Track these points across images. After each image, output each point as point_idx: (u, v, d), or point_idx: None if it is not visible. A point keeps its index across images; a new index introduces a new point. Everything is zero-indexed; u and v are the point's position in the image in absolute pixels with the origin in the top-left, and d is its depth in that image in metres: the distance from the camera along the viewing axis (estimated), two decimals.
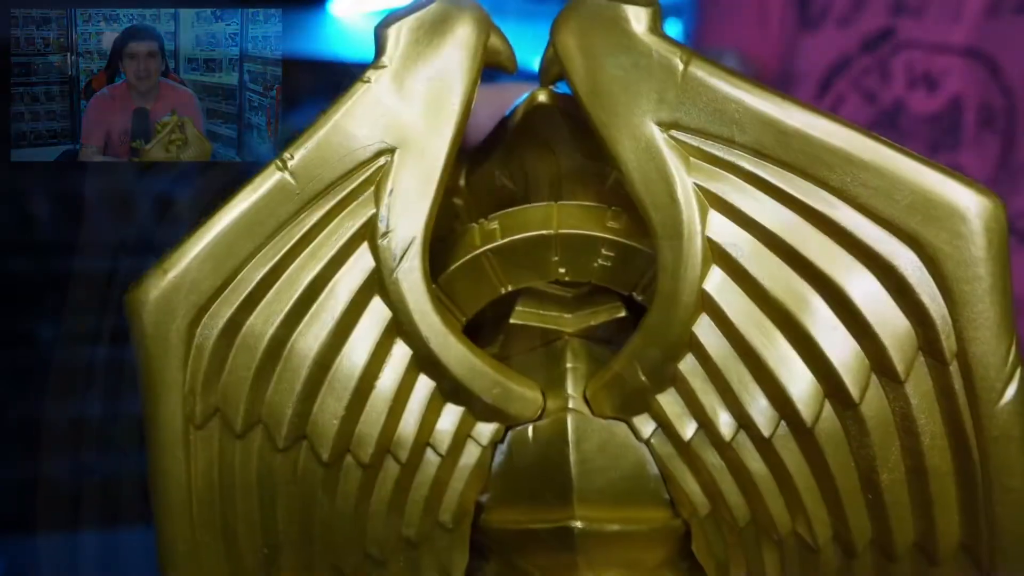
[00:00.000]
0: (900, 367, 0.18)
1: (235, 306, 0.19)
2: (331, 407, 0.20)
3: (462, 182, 0.26)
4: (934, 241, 0.17)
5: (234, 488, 0.20)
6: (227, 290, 0.19)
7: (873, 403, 0.18)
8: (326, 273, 0.20)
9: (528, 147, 0.24)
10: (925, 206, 0.17)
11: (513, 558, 0.23)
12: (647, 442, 0.21)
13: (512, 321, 0.22)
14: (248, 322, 0.20)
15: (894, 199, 0.17)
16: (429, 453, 0.21)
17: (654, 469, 0.21)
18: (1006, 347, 0.17)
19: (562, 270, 0.22)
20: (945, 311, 0.17)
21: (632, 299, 0.22)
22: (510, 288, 0.22)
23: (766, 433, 0.19)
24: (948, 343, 0.17)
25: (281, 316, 0.20)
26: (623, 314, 0.22)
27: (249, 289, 0.19)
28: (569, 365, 0.22)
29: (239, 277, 0.19)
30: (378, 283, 0.20)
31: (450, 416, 0.21)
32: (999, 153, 0.63)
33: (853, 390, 0.18)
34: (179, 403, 0.19)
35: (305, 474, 0.20)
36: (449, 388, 0.21)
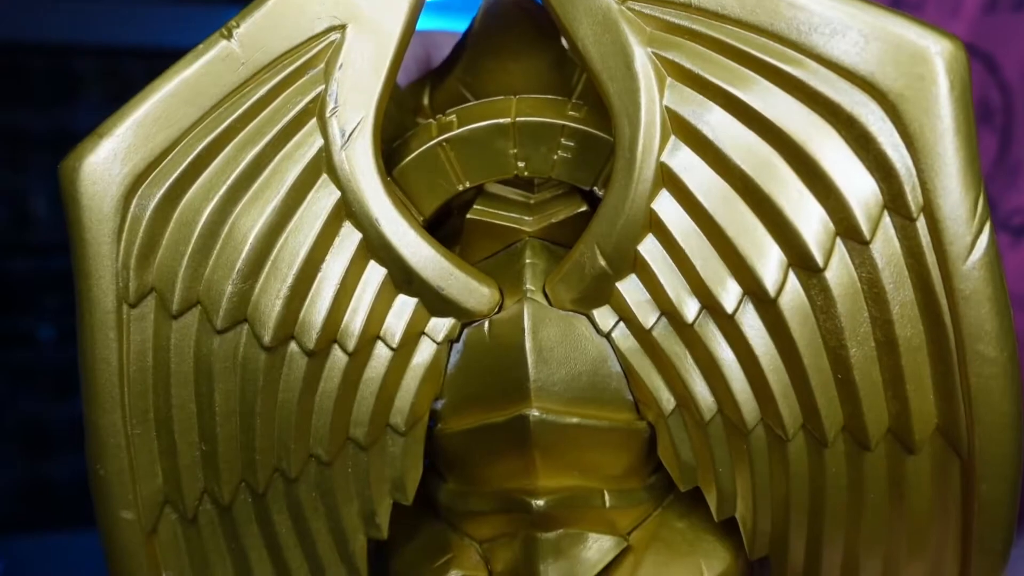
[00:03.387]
0: (865, 227, 0.17)
1: (174, 177, 0.19)
2: (273, 288, 0.19)
3: (425, 101, 0.25)
4: (894, 86, 0.16)
5: (169, 375, 0.19)
6: (166, 160, 0.19)
7: (839, 270, 0.18)
8: (272, 149, 0.19)
9: (488, 55, 0.23)
10: (884, 51, 0.17)
11: (470, 470, 0.21)
12: (608, 336, 0.20)
13: (470, 216, 0.21)
14: (187, 195, 0.19)
15: (854, 46, 0.17)
16: (380, 347, 0.20)
17: (616, 367, 0.20)
18: (973, 198, 0.16)
19: (521, 164, 0.21)
20: (909, 161, 0.17)
21: (594, 196, 0.21)
22: (467, 184, 0.21)
23: (729, 309, 0.18)
24: (914, 196, 0.17)
25: (223, 190, 0.19)
26: (584, 208, 0.21)
27: (190, 159, 0.19)
28: (528, 261, 0.21)
29: (179, 147, 0.19)
30: (326, 161, 0.19)
31: (402, 308, 0.20)
32: (996, 150, 0.62)
33: (818, 255, 0.17)
34: (112, 279, 0.18)
35: (246, 360, 0.19)
36: (401, 276, 0.20)
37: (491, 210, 0.22)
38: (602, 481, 0.21)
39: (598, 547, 0.21)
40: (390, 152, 0.22)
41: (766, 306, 0.18)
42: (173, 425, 0.19)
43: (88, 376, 0.19)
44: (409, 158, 0.21)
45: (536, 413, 0.19)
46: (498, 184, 0.22)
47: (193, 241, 0.19)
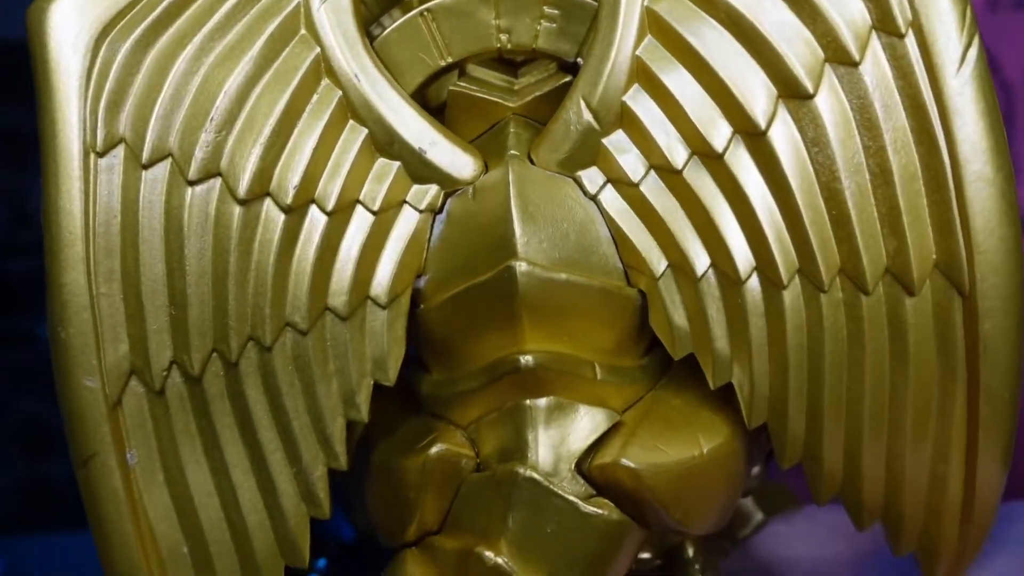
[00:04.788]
0: (854, 47, 0.17)
1: (147, 22, 0.18)
2: (248, 140, 0.18)
3: None
4: None
5: (137, 231, 0.18)
6: (139, 4, 0.18)
7: (829, 97, 0.17)
8: (248, 1, 0.19)
9: None
10: None
11: (456, 349, 0.20)
12: (595, 199, 0.20)
13: (453, 89, 0.21)
14: (160, 42, 0.18)
15: None
16: (360, 211, 0.19)
17: (605, 231, 0.20)
18: (961, 9, 0.16)
19: (504, 36, 0.21)
20: None
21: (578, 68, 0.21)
22: (450, 60, 0.21)
23: (719, 149, 0.18)
24: (901, 10, 0.17)
25: (197, 40, 0.18)
26: (568, 78, 0.21)
27: (163, 6, 0.18)
28: (512, 131, 0.21)
29: None
30: (304, 17, 0.19)
31: (383, 172, 0.20)
32: None
33: (807, 81, 0.17)
34: (78, 126, 0.18)
35: (219, 216, 0.18)
36: (382, 137, 0.19)
37: (475, 87, 0.21)
38: (593, 352, 0.20)
39: (590, 418, 0.20)
40: (369, 33, 0.21)
41: (757, 141, 0.18)
42: (141, 285, 0.18)
43: (51, 230, 0.18)
44: (390, 28, 0.21)
45: (524, 266, 0.19)
46: (481, 68, 0.22)
47: (165, 89, 0.18)
